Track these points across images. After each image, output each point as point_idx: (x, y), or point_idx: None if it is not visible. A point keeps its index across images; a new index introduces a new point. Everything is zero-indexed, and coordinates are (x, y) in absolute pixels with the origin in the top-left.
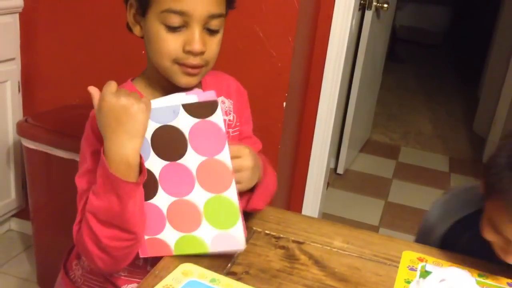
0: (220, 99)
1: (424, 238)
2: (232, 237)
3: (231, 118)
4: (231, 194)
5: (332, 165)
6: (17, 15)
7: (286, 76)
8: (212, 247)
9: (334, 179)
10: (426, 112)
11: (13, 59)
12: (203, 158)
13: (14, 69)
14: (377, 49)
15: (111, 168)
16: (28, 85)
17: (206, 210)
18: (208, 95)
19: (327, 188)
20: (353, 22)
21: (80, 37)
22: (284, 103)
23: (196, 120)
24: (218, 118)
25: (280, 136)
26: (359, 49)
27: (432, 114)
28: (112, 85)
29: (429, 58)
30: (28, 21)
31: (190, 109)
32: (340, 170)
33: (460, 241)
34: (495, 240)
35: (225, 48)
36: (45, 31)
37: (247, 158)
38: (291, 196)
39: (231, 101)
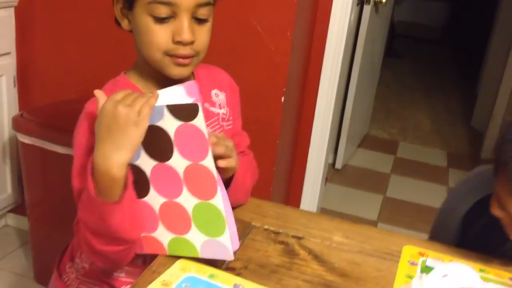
0: (213, 92)
1: (445, 220)
2: (220, 245)
3: (225, 111)
4: (217, 202)
5: (330, 160)
6: (12, 9)
7: (284, 71)
8: (202, 253)
9: (333, 174)
10: (424, 108)
11: (8, 53)
12: (188, 163)
13: (9, 64)
14: (375, 44)
15: (95, 177)
16: (24, 80)
17: (194, 215)
18: (190, 87)
19: (325, 183)
20: (352, 17)
21: (76, 31)
22: (283, 98)
23: (179, 122)
24: (200, 122)
25: (278, 131)
26: (357, 44)
27: (430, 110)
28: (119, 93)
29: (428, 54)
30: (24, 15)
31: (173, 110)
32: (338, 165)
33: (479, 222)
34: (502, 217)
35: (223, 43)
36: (40, 25)
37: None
38: (289, 191)
39: (224, 93)
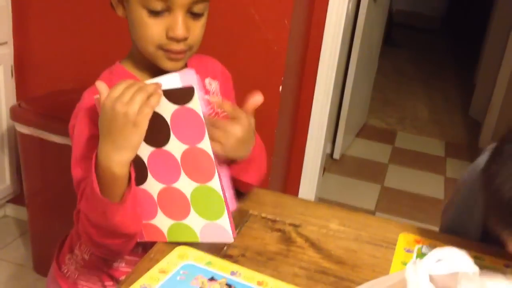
0: (207, 81)
1: (465, 213)
2: (220, 228)
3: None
4: (215, 184)
5: (328, 150)
6: None
7: (282, 60)
8: (201, 238)
9: (330, 164)
10: (422, 97)
11: (5, 43)
12: (185, 147)
13: (6, 53)
14: (373, 34)
15: (98, 173)
16: (21, 70)
17: (193, 199)
18: (188, 74)
19: (323, 173)
20: (350, 5)
21: (73, 21)
22: (280, 87)
23: (175, 106)
24: (196, 104)
25: (276, 121)
26: (355, 33)
27: (428, 99)
28: (118, 87)
29: (426, 43)
30: (21, 4)
31: (169, 95)
32: (336, 155)
33: None
34: None
35: (220, 32)
36: (37, 14)
37: (238, 125)
38: (287, 181)
39: (217, 82)
